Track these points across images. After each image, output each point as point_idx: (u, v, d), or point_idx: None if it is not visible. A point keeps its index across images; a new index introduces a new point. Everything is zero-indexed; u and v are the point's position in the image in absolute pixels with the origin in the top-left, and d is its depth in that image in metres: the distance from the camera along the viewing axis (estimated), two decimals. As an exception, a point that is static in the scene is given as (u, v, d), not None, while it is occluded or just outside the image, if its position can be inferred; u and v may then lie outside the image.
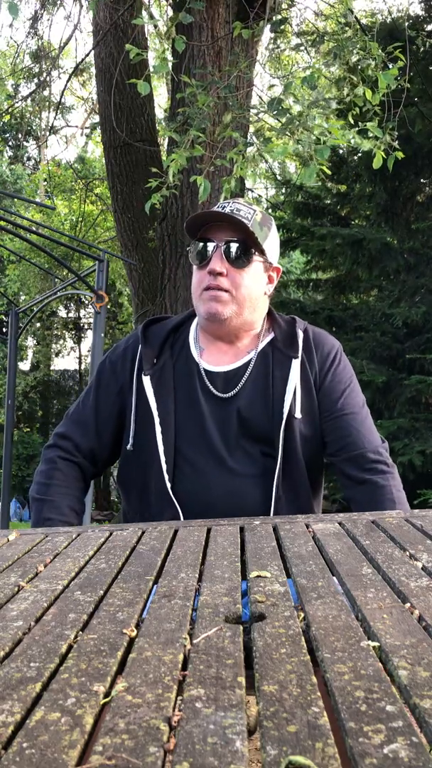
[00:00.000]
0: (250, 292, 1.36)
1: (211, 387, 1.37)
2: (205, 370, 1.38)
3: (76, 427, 1.44)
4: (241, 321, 1.37)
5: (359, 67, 3.28)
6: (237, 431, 1.34)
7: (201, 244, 1.36)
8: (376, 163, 3.16)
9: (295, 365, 1.36)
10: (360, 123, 3.20)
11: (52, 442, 1.46)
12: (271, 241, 1.40)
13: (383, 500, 1.30)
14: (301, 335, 1.41)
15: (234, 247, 1.34)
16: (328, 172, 3.52)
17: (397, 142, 3.30)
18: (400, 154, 3.22)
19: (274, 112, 3.06)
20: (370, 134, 3.16)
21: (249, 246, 1.35)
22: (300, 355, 1.38)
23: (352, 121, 3.33)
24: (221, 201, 1.39)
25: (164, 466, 1.32)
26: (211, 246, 1.35)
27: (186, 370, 1.39)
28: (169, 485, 1.31)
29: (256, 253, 1.36)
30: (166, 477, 1.31)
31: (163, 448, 1.33)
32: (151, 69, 4.66)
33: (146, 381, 1.37)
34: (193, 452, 1.33)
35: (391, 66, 3.26)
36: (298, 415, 1.33)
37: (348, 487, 1.37)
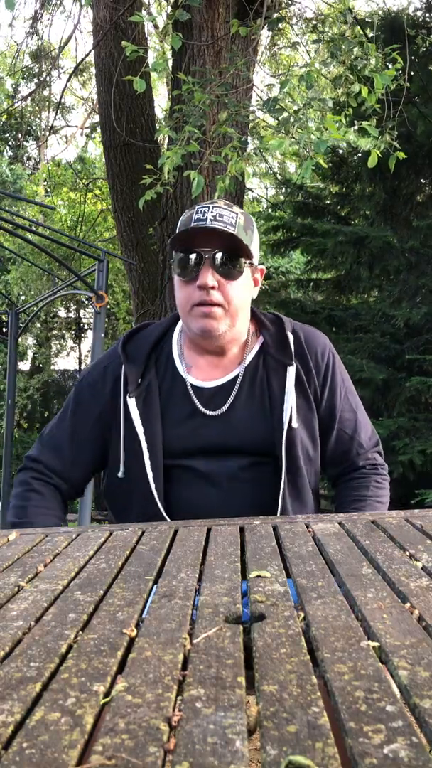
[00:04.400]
0: (242, 302, 1.29)
1: (200, 405, 1.30)
2: (194, 387, 1.31)
3: (48, 452, 1.35)
4: (234, 333, 1.31)
5: (357, 67, 3.29)
6: (232, 448, 1.28)
7: (186, 255, 1.26)
8: (371, 162, 3.16)
9: (291, 373, 1.30)
10: (356, 122, 3.21)
11: (24, 465, 1.37)
12: (255, 243, 1.33)
13: (364, 492, 1.36)
14: (291, 338, 1.34)
15: (224, 257, 1.25)
16: (325, 165, 3.53)
17: (397, 141, 3.31)
18: (401, 154, 3.22)
19: (270, 111, 3.06)
20: (369, 132, 3.16)
21: (239, 254, 1.26)
22: (294, 361, 1.32)
23: (344, 121, 3.34)
24: (200, 204, 1.30)
25: (155, 492, 1.25)
26: (198, 257, 1.25)
27: (173, 388, 1.32)
28: (162, 510, 1.25)
29: (245, 260, 1.28)
30: (159, 504, 1.25)
31: (152, 473, 1.26)
32: (150, 67, 4.67)
33: (131, 403, 1.29)
34: (185, 475, 1.28)
35: (390, 66, 3.27)
36: (295, 424, 1.28)
37: (334, 484, 1.44)
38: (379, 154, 3.18)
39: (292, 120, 3.07)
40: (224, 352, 1.34)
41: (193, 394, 1.31)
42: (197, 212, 1.27)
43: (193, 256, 1.25)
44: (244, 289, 1.29)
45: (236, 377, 1.32)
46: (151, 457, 1.26)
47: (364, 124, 3.07)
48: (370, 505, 1.33)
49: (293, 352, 1.33)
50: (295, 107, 3.21)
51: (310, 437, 1.32)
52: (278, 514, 1.25)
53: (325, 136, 2.98)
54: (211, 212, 1.25)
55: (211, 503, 1.24)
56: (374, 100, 3.21)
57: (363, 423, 1.41)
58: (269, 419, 1.28)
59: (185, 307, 1.29)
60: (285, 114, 3.10)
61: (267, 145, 3.23)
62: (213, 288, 1.25)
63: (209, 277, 1.24)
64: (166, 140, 4.48)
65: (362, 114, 3.52)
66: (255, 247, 1.33)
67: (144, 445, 1.27)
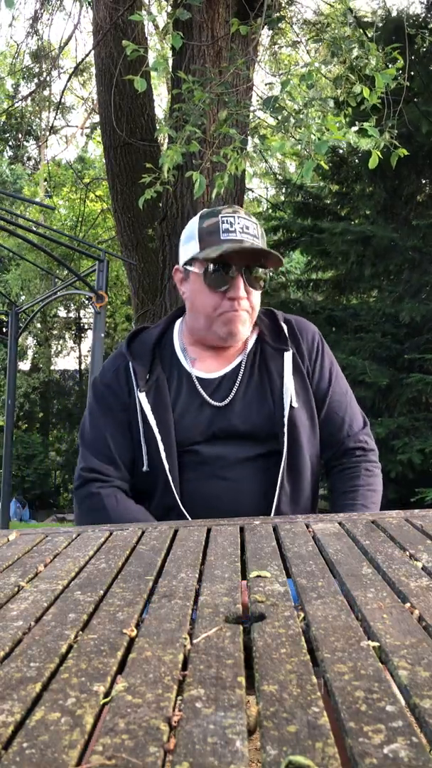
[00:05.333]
0: (258, 306, 1.39)
1: (206, 396, 1.36)
2: (199, 379, 1.38)
3: (96, 460, 1.34)
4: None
5: (358, 66, 3.28)
6: (240, 434, 1.34)
7: (220, 267, 1.32)
8: (372, 163, 3.16)
9: (288, 357, 1.38)
10: (357, 122, 3.20)
11: (82, 479, 1.34)
12: None
13: (355, 482, 1.38)
14: (285, 327, 1.43)
15: (254, 271, 1.34)
16: (326, 167, 3.52)
17: (397, 141, 3.30)
18: (403, 151, 3.22)
19: (270, 110, 3.06)
20: (370, 133, 3.16)
21: (264, 266, 1.36)
22: (290, 347, 1.40)
23: (344, 121, 3.33)
24: (222, 212, 1.34)
25: (171, 481, 1.30)
26: (232, 270, 1.31)
27: (180, 382, 1.38)
28: (178, 497, 1.29)
29: (268, 271, 1.37)
30: (175, 491, 1.29)
31: (168, 464, 1.30)
32: (150, 67, 4.67)
33: (143, 398, 1.34)
34: (197, 463, 1.32)
35: (390, 66, 3.26)
36: (294, 404, 1.35)
37: (326, 472, 1.47)
38: (380, 155, 3.17)
39: (292, 120, 3.07)
40: (228, 346, 1.41)
41: (199, 386, 1.37)
42: (223, 222, 1.32)
43: (225, 269, 1.31)
44: (260, 295, 1.39)
45: (239, 365, 1.40)
46: (166, 448, 1.31)
47: (365, 124, 3.07)
48: (363, 495, 1.36)
49: (288, 339, 1.41)
50: (296, 107, 3.21)
51: (310, 418, 1.39)
52: (277, 492, 1.30)
53: (326, 137, 2.98)
54: (238, 223, 1.32)
55: (221, 490, 1.30)
56: (374, 99, 3.21)
57: (353, 405, 1.47)
58: (271, 402, 1.35)
59: (211, 313, 1.35)
60: (285, 113, 3.09)
61: (268, 146, 3.23)
62: (244, 299, 1.33)
63: (242, 290, 1.32)
64: (166, 140, 4.48)
65: (362, 113, 3.51)
66: None
67: (158, 437, 1.32)
